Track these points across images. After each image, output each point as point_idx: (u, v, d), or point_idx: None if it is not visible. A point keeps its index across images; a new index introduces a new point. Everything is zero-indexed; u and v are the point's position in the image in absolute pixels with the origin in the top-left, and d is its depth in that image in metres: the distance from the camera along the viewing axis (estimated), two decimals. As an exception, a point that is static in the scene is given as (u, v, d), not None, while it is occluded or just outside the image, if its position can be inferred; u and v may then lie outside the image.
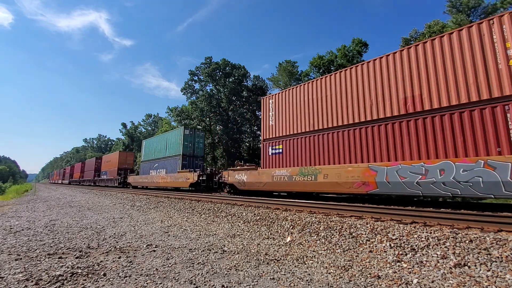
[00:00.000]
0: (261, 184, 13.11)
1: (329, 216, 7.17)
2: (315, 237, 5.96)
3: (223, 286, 3.62)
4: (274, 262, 4.63)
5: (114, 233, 7.00)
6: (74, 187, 40.12)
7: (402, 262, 4.26)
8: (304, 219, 7.08)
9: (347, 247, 5.20)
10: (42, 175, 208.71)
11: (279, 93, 13.66)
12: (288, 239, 6.12)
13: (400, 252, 4.54)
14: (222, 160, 42.82)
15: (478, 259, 3.92)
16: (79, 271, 4.12)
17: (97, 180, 41.04)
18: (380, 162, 9.17)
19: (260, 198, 12.04)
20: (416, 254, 4.43)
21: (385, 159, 9.11)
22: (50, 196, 22.70)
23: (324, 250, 5.22)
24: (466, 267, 3.82)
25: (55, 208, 12.91)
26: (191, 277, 3.91)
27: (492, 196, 6.73)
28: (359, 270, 4.15)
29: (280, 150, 12.81)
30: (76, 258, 4.82)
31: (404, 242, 4.84)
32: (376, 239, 5.24)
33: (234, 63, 45.35)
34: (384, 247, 4.86)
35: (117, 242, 6.02)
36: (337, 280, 3.80)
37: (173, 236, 6.66)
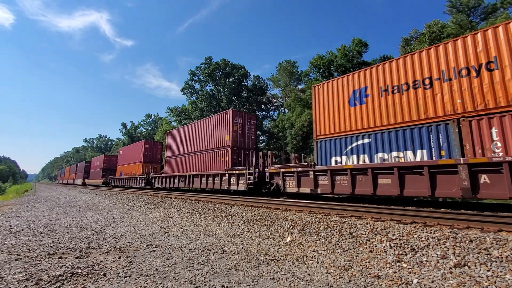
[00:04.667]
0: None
1: (329, 216, 7.17)
2: (315, 237, 5.96)
3: (223, 286, 3.62)
4: (274, 262, 4.63)
5: (114, 233, 7.00)
6: (74, 187, 39.70)
7: (402, 262, 4.26)
8: (304, 219, 7.08)
9: (347, 247, 5.20)
10: (42, 175, 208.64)
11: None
12: (288, 239, 6.12)
13: (400, 252, 4.54)
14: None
15: (478, 259, 3.92)
16: (79, 271, 4.12)
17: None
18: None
19: (260, 198, 12.09)
20: (416, 254, 4.43)
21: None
22: (50, 196, 22.71)
23: (324, 250, 5.22)
24: (466, 267, 3.82)
25: (55, 208, 12.91)
26: (191, 277, 3.92)
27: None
28: (359, 270, 4.15)
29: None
30: (76, 258, 4.82)
31: (404, 242, 4.84)
32: (376, 239, 5.24)
33: (234, 63, 45.40)
34: (384, 247, 4.86)
35: (117, 242, 6.02)
36: (337, 280, 3.80)
37: (173, 236, 6.66)
